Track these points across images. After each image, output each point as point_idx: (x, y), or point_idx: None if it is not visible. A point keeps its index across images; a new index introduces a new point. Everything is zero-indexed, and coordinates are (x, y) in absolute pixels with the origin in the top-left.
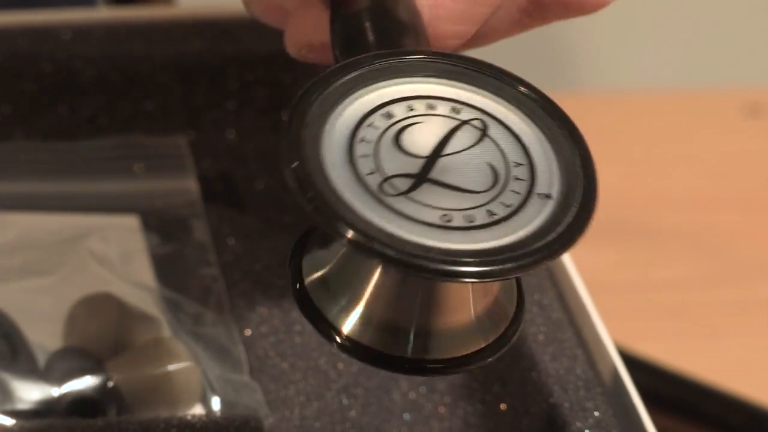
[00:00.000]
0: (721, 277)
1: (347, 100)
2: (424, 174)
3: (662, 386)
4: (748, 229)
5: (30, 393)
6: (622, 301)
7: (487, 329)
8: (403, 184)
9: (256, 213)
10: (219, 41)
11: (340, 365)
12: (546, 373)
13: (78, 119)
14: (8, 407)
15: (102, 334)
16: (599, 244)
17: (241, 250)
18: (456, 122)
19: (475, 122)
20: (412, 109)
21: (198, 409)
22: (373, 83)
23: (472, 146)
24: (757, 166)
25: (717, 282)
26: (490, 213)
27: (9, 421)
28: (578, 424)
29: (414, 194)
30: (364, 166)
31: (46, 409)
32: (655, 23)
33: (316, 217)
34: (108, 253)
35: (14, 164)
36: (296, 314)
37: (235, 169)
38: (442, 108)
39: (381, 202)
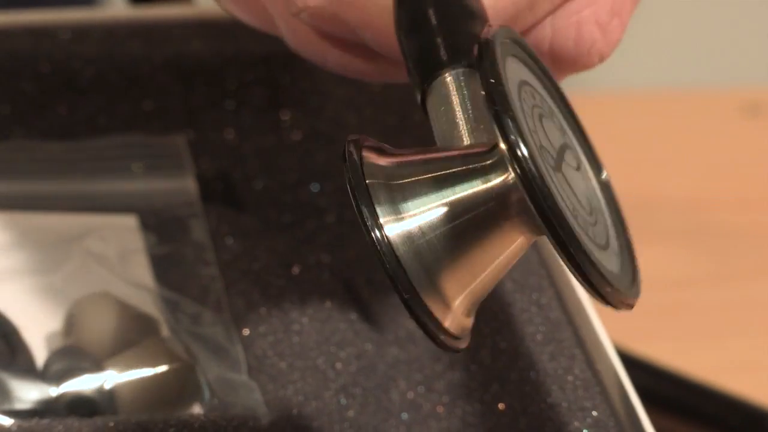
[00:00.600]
0: (720, 277)
1: (510, 61)
2: (559, 162)
3: (660, 386)
4: (747, 228)
5: (28, 393)
6: None
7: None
8: (549, 159)
9: (255, 213)
10: (218, 42)
11: (339, 365)
12: (544, 372)
13: (77, 119)
14: (7, 407)
15: (100, 333)
16: None
17: (240, 249)
18: (563, 141)
19: (574, 152)
20: (544, 102)
21: (196, 409)
22: (517, 59)
23: (575, 170)
24: (756, 165)
25: (716, 281)
26: (594, 237)
27: (7, 421)
28: (576, 423)
29: (556, 174)
30: (529, 122)
31: (44, 408)
32: (654, 23)
33: (514, 157)
34: (106, 253)
35: (13, 164)
36: (295, 314)
37: (234, 168)
38: (557, 119)
39: (545, 164)
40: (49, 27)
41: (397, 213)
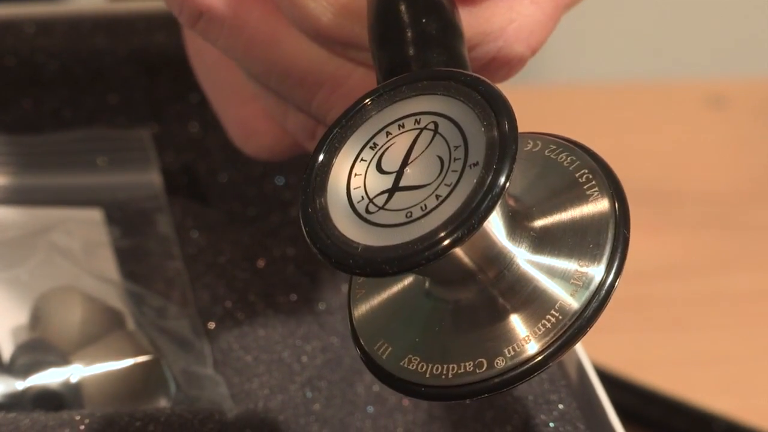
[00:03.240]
0: (685, 269)
1: (345, 146)
2: (395, 185)
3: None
4: (711, 220)
5: None
6: None
7: None
8: (382, 200)
9: (220, 206)
10: (182, 35)
11: (304, 358)
12: None
13: (41, 113)
14: None
15: (66, 327)
16: None
17: (205, 242)
18: (416, 131)
19: (430, 125)
20: (389, 134)
21: (162, 403)
22: (361, 124)
23: (428, 146)
24: (721, 157)
25: (681, 274)
26: (438, 197)
27: None
28: (542, 416)
29: (389, 204)
30: (356, 196)
31: (10, 402)
32: (618, 15)
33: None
34: (71, 247)
35: None
36: (260, 307)
37: (199, 162)
38: (408, 123)
39: (367, 221)
40: (13, 21)
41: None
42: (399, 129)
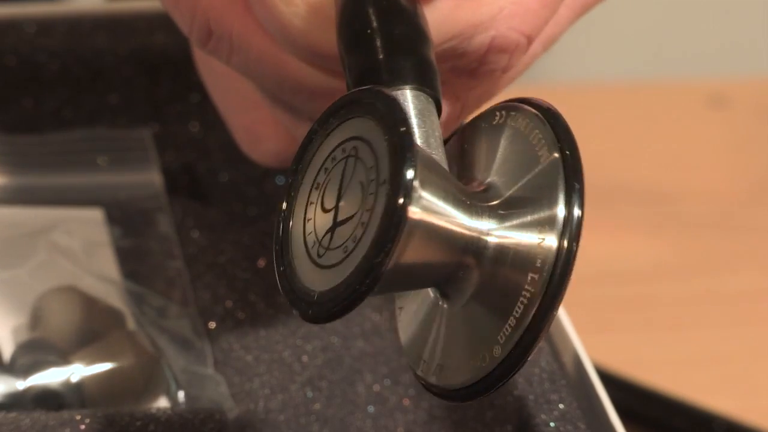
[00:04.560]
0: (685, 269)
1: (299, 191)
2: (334, 222)
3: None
4: (712, 220)
5: None
6: (586, 293)
7: None
8: (327, 240)
9: (220, 206)
10: (182, 34)
11: (305, 358)
12: None
13: (42, 112)
14: None
15: (66, 327)
16: None
17: (206, 242)
18: (344, 161)
19: (351, 151)
20: (326, 170)
21: (162, 402)
22: (308, 164)
23: (352, 175)
24: (721, 157)
25: (681, 273)
26: (362, 224)
27: None
28: (543, 416)
29: (332, 243)
30: (310, 240)
31: (11, 402)
32: (619, 14)
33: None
34: (72, 246)
35: None
36: (261, 307)
37: (199, 161)
38: (338, 154)
39: (318, 265)
40: (13, 20)
41: None
42: (332, 162)
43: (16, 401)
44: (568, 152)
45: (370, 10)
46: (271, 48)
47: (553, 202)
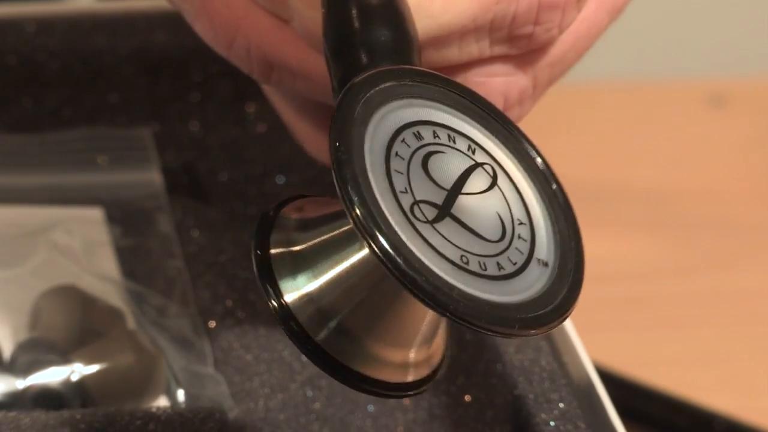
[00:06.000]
0: (685, 268)
1: (384, 109)
2: (447, 207)
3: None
4: (711, 219)
5: None
6: (586, 291)
7: (414, 368)
8: (430, 212)
9: (220, 205)
10: (182, 34)
11: (305, 357)
12: (511, 364)
13: (42, 111)
14: None
15: (66, 326)
16: None
17: (206, 242)
18: (472, 162)
19: (487, 167)
20: (436, 136)
21: (162, 402)
22: (406, 98)
23: (485, 191)
24: (720, 156)
25: (681, 272)
26: (500, 266)
27: None
28: (543, 415)
29: (438, 226)
30: (398, 182)
31: (10, 401)
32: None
33: (359, 226)
34: (72, 245)
35: None
36: (261, 306)
37: (199, 161)
38: (461, 143)
39: (412, 225)
40: (14, 20)
41: (297, 285)
42: (449, 140)
43: (16, 400)
44: None
45: (355, 15)
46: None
47: None
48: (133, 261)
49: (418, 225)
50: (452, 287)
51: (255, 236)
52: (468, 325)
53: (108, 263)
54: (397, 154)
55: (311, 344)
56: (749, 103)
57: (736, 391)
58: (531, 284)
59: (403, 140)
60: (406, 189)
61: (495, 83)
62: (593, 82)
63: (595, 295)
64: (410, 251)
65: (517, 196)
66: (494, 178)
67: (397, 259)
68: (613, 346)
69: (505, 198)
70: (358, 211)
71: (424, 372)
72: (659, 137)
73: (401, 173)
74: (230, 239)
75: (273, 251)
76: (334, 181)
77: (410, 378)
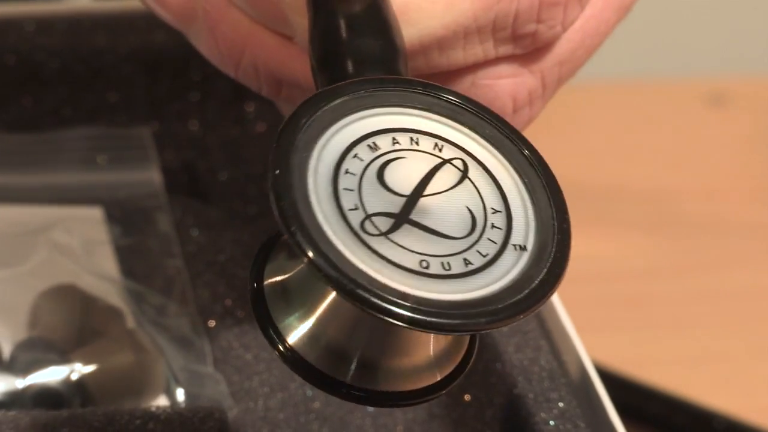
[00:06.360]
0: (684, 268)
1: (334, 127)
2: (404, 214)
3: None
4: (710, 218)
5: None
6: (585, 291)
7: (439, 366)
8: (384, 223)
9: (220, 204)
10: (182, 33)
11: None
12: (510, 364)
13: (41, 111)
14: None
15: (66, 325)
16: None
17: (205, 241)
18: (438, 160)
19: (457, 162)
20: (396, 142)
21: (162, 401)
22: (360, 111)
23: (453, 188)
24: (719, 155)
25: (680, 272)
26: (467, 262)
27: None
28: (543, 415)
29: (394, 235)
30: (348, 200)
31: (10, 400)
32: None
33: (300, 252)
34: (72, 245)
35: None
36: None
37: (199, 160)
38: (425, 143)
39: (362, 241)
40: (13, 19)
41: (294, 320)
42: (411, 143)
43: (16, 400)
44: None
45: (342, 25)
46: None
47: None
48: (133, 260)
49: (370, 239)
50: (406, 296)
51: (251, 266)
52: (429, 330)
53: (107, 262)
54: (347, 171)
55: (344, 386)
56: (749, 102)
57: (735, 389)
58: (507, 272)
59: (355, 155)
60: (356, 206)
61: (503, 85)
62: (592, 81)
63: (594, 294)
64: (357, 269)
65: (491, 184)
66: (464, 171)
67: (342, 280)
68: (613, 345)
69: (477, 189)
70: (298, 240)
71: (453, 361)
72: (659, 136)
73: (351, 190)
74: (230, 238)
75: (266, 282)
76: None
77: (439, 376)
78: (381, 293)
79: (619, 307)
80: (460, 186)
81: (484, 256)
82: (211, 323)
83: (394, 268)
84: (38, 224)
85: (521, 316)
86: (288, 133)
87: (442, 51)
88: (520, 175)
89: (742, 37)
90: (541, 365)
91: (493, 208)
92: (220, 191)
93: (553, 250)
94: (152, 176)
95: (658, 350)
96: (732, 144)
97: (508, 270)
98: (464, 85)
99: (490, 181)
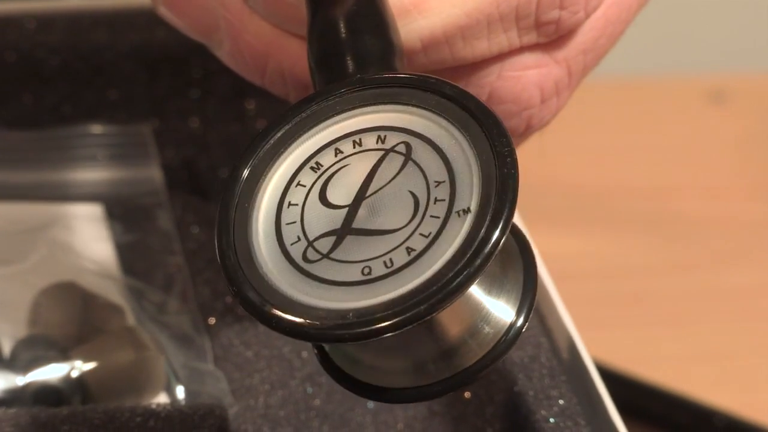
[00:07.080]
0: (683, 265)
1: (277, 163)
2: (346, 226)
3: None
4: (710, 216)
5: None
6: (585, 289)
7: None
8: (326, 244)
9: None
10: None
11: (305, 354)
12: (510, 361)
13: (42, 108)
14: None
15: (66, 322)
16: (563, 233)
17: (205, 238)
18: (381, 153)
19: (400, 147)
20: (339, 152)
21: (162, 398)
22: (301, 135)
23: (396, 176)
24: (720, 153)
25: (681, 269)
26: (409, 250)
27: None
28: (543, 412)
29: (336, 253)
30: (290, 235)
31: (10, 398)
32: None
33: (249, 312)
34: (72, 242)
35: None
36: None
37: (199, 157)
38: (368, 140)
39: (304, 272)
40: (14, 16)
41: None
42: (354, 147)
43: (16, 397)
44: None
45: (341, 24)
46: None
47: None
48: (133, 257)
49: (312, 267)
50: (346, 313)
51: None
52: (370, 338)
53: (108, 260)
54: (290, 204)
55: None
56: (749, 99)
57: (736, 387)
58: (451, 242)
59: (298, 183)
60: (299, 237)
61: (529, 76)
62: (592, 79)
63: (594, 291)
64: (300, 306)
65: (436, 156)
66: (407, 154)
67: (293, 329)
68: (613, 342)
69: (420, 168)
70: (240, 300)
71: (487, 345)
72: (659, 134)
73: (293, 223)
74: None
75: None
76: None
77: (468, 362)
78: (318, 324)
79: (620, 305)
80: (403, 171)
81: (427, 236)
82: (212, 320)
83: (336, 288)
84: (39, 221)
85: (457, 294)
86: (227, 192)
87: (466, 40)
88: (463, 133)
89: (742, 34)
90: (541, 362)
91: (436, 181)
92: (220, 188)
93: (493, 205)
94: (153, 173)
95: (658, 347)
96: (732, 141)
97: (453, 239)
98: (490, 78)
99: (435, 153)
